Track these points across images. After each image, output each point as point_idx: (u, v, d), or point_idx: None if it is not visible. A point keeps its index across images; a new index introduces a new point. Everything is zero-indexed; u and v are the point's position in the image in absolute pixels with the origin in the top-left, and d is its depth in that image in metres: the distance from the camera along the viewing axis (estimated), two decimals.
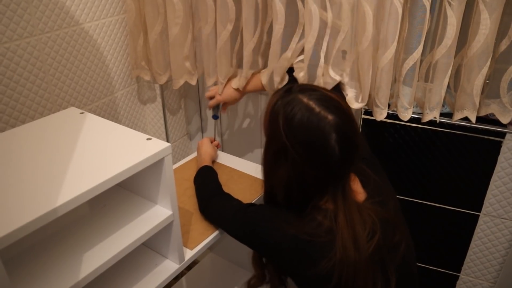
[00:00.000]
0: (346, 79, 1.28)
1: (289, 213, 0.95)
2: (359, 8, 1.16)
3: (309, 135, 0.86)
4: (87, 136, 0.97)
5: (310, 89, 0.93)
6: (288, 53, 1.29)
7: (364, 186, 0.98)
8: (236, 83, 1.42)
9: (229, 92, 1.45)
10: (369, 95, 1.30)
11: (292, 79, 1.35)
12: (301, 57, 1.31)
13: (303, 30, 1.26)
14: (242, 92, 1.45)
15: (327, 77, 1.27)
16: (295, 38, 1.28)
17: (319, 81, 1.28)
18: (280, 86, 1.36)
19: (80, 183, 0.79)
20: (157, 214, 0.98)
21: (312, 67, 1.28)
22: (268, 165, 0.97)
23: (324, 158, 0.87)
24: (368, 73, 1.22)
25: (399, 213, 1.00)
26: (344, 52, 1.28)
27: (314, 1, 1.17)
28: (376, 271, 0.88)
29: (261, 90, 1.41)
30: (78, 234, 0.92)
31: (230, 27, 1.34)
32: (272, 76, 1.35)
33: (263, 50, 1.40)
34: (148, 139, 0.94)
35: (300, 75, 1.29)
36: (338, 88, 1.28)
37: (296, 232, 0.90)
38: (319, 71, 1.26)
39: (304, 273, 0.90)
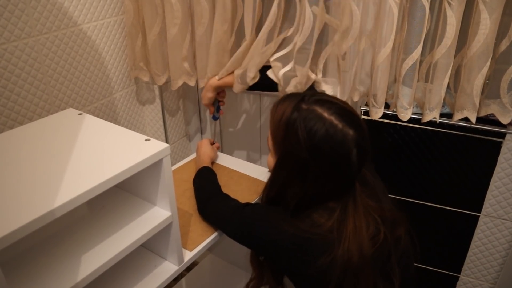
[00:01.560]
0: (320, 76, 1.30)
1: (287, 212, 0.95)
2: (346, 6, 1.17)
3: (333, 151, 0.86)
4: (85, 137, 0.97)
5: (327, 101, 0.91)
6: (267, 50, 1.30)
7: (360, 184, 0.98)
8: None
9: (203, 93, 1.47)
10: (367, 94, 1.30)
11: (263, 77, 1.34)
12: (278, 54, 1.31)
13: (281, 25, 1.28)
14: (212, 86, 1.44)
15: (307, 77, 1.29)
16: (274, 35, 1.29)
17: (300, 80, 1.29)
18: (251, 83, 1.35)
19: (78, 184, 0.78)
20: (156, 215, 0.98)
21: (298, 67, 1.28)
22: (283, 177, 0.95)
23: (345, 172, 0.88)
24: (359, 71, 1.22)
25: (395, 209, 1.00)
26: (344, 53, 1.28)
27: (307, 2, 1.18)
28: (377, 272, 0.88)
29: (230, 86, 1.42)
30: (77, 235, 0.92)
31: (225, 27, 1.34)
32: (245, 71, 1.35)
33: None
34: (146, 140, 0.94)
35: (280, 74, 1.29)
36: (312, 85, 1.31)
37: (294, 230, 0.90)
38: (303, 70, 1.27)
39: (302, 272, 0.90)
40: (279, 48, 1.33)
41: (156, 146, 0.91)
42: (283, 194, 0.96)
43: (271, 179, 0.99)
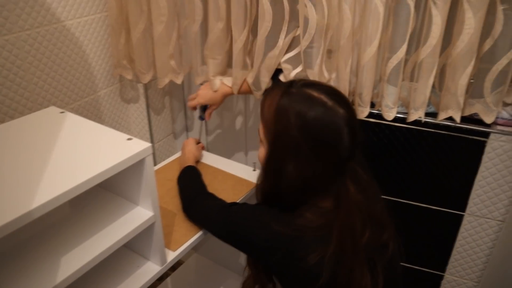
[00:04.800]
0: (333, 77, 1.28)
1: (274, 210, 0.94)
2: (339, 6, 1.16)
3: (325, 130, 0.86)
4: (66, 136, 0.95)
5: (314, 83, 0.93)
6: (276, 51, 1.28)
7: (352, 181, 0.97)
8: (229, 82, 1.41)
9: (208, 94, 1.43)
10: (353, 93, 1.30)
11: (276, 82, 1.33)
12: (288, 55, 1.30)
13: (288, 26, 1.25)
14: (223, 94, 1.44)
15: (321, 76, 1.27)
16: (282, 35, 1.27)
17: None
18: (267, 88, 1.35)
19: (58, 184, 0.77)
20: (138, 215, 0.96)
21: (307, 67, 1.27)
22: (274, 163, 0.93)
23: (337, 152, 0.87)
24: (345, 70, 1.22)
25: (386, 213, 1.00)
26: (329, 52, 1.28)
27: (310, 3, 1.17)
28: (366, 269, 0.88)
29: (249, 93, 1.40)
30: (58, 235, 0.90)
31: (220, 25, 1.32)
32: (258, 76, 1.34)
33: (249, 50, 1.38)
34: (128, 139, 0.92)
35: (291, 76, 1.29)
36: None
37: (283, 229, 0.89)
38: (313, 71, 1.26)
39: (292, 270, 0.89)
40: (289, 49, 1.31)
41: (138, 146, 0.90)
42: (278, 183, 0.93)
43: (264, 168, 0.97)
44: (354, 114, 0.90)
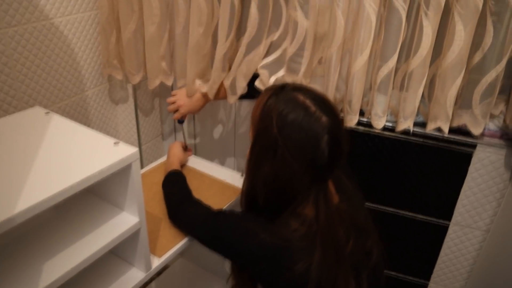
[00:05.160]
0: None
1: (261, 219, 0.93)
2: (332, 14, 1.16)
3: (302, 133, 0.85)
4: (50, 138, 0.93)
5: (305, 88, 0.93)
6: (255, 56, 1.28)
7: (337, 190, 0.97)
8: (205, 88, 1.40)
9: (189, 104, 1.44)
10: (342, 101, 1.30)
11: (251, 87, 1.33)
12: (266, 60, 1.29)
13: (268, 31, 1.26)
14: (206, 99, 1.43)
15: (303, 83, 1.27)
16: (263, 41, 1.27)
17: None
18: (242, 93, 1.35)
19: (41, 190, 0.75)
20: (124, 221, 0.95)
21: (290, 74, 1.27)
22: (254, 160, 0.93)
23: (313, 158, 0.86)
24: (334, 77, 1.22)
25: (370, 221, 1.00)
26: (320, 58, 1.28)
27: (299, 10, 1.16)
28: (351, 277, 0.88)
29: (225, 98, 1.40)
30: (41, 240, 0.88)
31: (201, 29, 1.31)
32: (234, 81, 1.33)
33: (231, 55, 1.37)
34: (115, 143, 0.91)
35: (271, 81, 1.28)
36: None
37: (269, 237, 0.88)
38: (297, 77, 1.26)
39: (277, 279, 0.88)
40: (266, 55, 1.31)
41: (124, 150, 0.88)
42: (255, 183, 0.94)
43: (246, 164, 0.97)
44: (339, 124, 0.89)
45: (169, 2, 1.39)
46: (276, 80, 1.30)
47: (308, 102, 0.87)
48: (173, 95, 1.46)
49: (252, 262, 0.92)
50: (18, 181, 0.78)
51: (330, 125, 0.85)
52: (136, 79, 1.53)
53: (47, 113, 1.04)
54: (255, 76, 1.33)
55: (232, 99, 1.37)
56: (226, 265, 1.53)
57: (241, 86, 1.33)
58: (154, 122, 1.83)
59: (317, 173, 0.88)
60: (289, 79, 1.28)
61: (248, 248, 0.91)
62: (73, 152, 0.88)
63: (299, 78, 1.25)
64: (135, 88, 1.66)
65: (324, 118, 0.85)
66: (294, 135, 0.85)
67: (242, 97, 1.37)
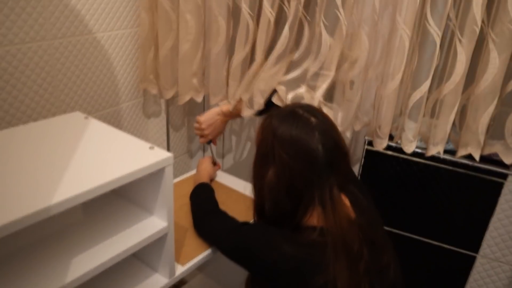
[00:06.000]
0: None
1: (284, 231, 0.94)
2: (358, 37, 1.19)
3: (294, 134, 0.91)
4: (89, 140, 0.96)
5: (301, 104, 1.03)
6: (277, 73, 1.31)
7: (352, 205, 0.98)
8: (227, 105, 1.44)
9: (214, 128, 1.47)
10: (368, 124, 1.31)
11: (269, 105, 1.36)
12: (287, 77, 1.32)
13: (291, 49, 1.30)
14: (227, 118, 1.46)
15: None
16: (286, 59, 1.30)
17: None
18: (260, 108, 1.38)
19: (78, 185, 0.78)
20: (152, 224, 0.96)
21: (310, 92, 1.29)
22: (257, 170, 0.99)
23: (309, 155, 0.90)
24: (355, 100, 1.25)
25: (387, 238, 0.99)
26: (352, 83, 1.29)
27: (325, 30, 1.19)
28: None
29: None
30: (70, 239, 0.90)
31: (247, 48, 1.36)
32: (252, 97, 1.36)
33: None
34: (150, 147, 0.93)
35: (289, 98, 1.31)
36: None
37: (292, 250, 0.88)
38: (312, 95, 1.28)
39: None
40: (287, 72, 1.35)
41: (159, 155, 0.91)
42: (261, 191, 0.98)
43: (252, 176, 1.02)
44: (331, 126, 0.95)
45: (205, 22, 1.44)
46: (294, 96, 1.32)
47: (298, 109, 0.95)
48: (198, 122, 1.47)
49: (274, 274, 0.91)
50: (57, 176, 0.81)
51: (319, 124, 0.92)
52: (169, 94, 1.57)
53: (86, 117, 1.08)
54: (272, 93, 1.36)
55: (247, 113, 1.39)
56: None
57: (259, 102, 1.36)
58: (183, 139, 1.86)
59: (317, 173, 0.90)
60: (308, 96, 1.31)
61: (272, 260, 0.91)
62: (110, 153, 0.91)
63: (317, 97, 1.27)
64: (168, 104, 1.70)
65: (312, 119, 0.92)
66: (287, 137, 0.92)
67: (260, 113, 1.39)
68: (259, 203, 1.01)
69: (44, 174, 0.82)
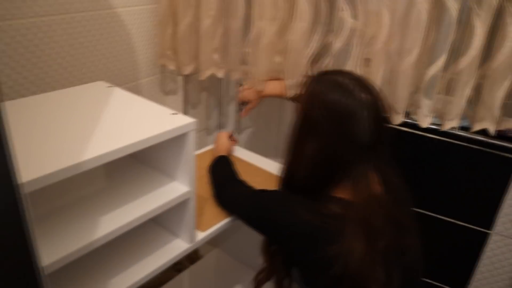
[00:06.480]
0: None
1: (303, 199, 0.96)
2: (379, 13, 1.20)
3: (343, 110, 0.90)
4: (113, 106, 0.99)
5: (345, 71, 1.00)
6: (309, 51, 1.32)
7: (382, 182, 0.98)
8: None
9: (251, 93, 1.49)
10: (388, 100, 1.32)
11: None
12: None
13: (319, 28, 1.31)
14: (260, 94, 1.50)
15: None
16: (315, 37, 1.31)
17: None
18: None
19: (106, 144, 0.81)
20: (175, 189, 0.99)
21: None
22: (296, 139, 0.98)
23: (355, 133, 0.89)
24: (377, 77, 1.25)
25: (413, 220, 1.00)
26: (368, 60, 1.30)
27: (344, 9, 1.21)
28: (381, 269, 0.88)
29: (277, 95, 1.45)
30: (94, 201, 0.94)
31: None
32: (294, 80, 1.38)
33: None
34: (174, 113, 0.96)
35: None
36: None
37: (309, 216, 0.90)
38: None
39: (310, 259, 0.90)
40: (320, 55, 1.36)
41: (182, 120, 0.93)
42: (296, 157, 0.98)
43: (289, 143, 1.01)
44: (378, 101, 0.93)
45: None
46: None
47: (347, 82, 0.92)
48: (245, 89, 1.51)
49: (291, 238, 0.93)
50: (85, 137, 0.84)
51: (369, 102, 0.90)
52: (188, 70, 1.60)
53: (109, 86, 1.11)
54: None
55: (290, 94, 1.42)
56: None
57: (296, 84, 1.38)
58: (200, 116, 1.89)
59: (360, 150, 0.90)
60: None
61: (289, 224, 0.93)
62: (135, 118, 0.94)
63: None
64: (185, 81, 1.73)
65: (363, 95, 0.90)
66: (335, 112, 0.91)
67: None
68: (289, 172, 1.02)
69: (74, 135, 0.85)
